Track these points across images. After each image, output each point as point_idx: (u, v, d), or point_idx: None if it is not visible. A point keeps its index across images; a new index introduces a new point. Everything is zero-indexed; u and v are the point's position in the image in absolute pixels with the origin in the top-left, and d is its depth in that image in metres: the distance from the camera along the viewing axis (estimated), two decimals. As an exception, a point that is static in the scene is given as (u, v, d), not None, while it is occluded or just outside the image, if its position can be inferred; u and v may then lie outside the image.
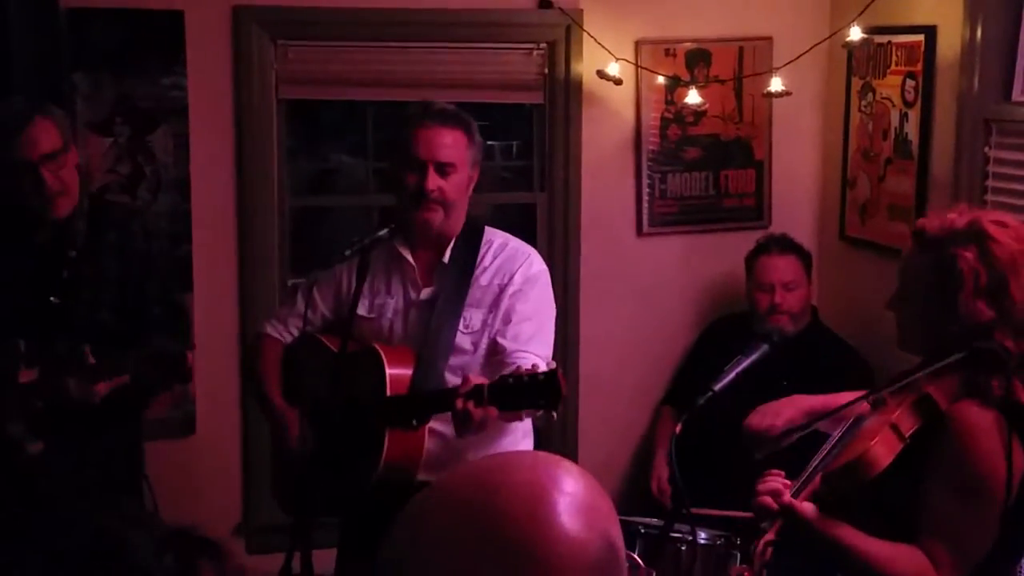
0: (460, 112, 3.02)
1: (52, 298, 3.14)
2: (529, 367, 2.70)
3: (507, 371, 2.75)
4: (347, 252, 2.89)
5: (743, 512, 2.53)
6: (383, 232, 2.90)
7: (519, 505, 1.04)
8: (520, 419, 2.87)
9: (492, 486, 1.06)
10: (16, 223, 3.15)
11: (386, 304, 3.04)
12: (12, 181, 3.07)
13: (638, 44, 4.27)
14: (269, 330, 3.23)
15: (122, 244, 3.23)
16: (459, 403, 2.59)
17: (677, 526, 2.86)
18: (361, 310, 2.98)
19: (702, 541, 2.97)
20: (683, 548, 2.96)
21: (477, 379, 2.63)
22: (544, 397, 2.54)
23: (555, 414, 2.64)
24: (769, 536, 2.33)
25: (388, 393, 2.86)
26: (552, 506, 1.04)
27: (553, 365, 2.60)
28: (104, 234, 3.20)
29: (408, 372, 2.90)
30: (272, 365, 3.17)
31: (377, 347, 2.93)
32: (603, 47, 4.17)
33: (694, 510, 2.72)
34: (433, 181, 2.90)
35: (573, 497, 1.06)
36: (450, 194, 2.93)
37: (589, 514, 1.05)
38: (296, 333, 3.18)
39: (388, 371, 2.87)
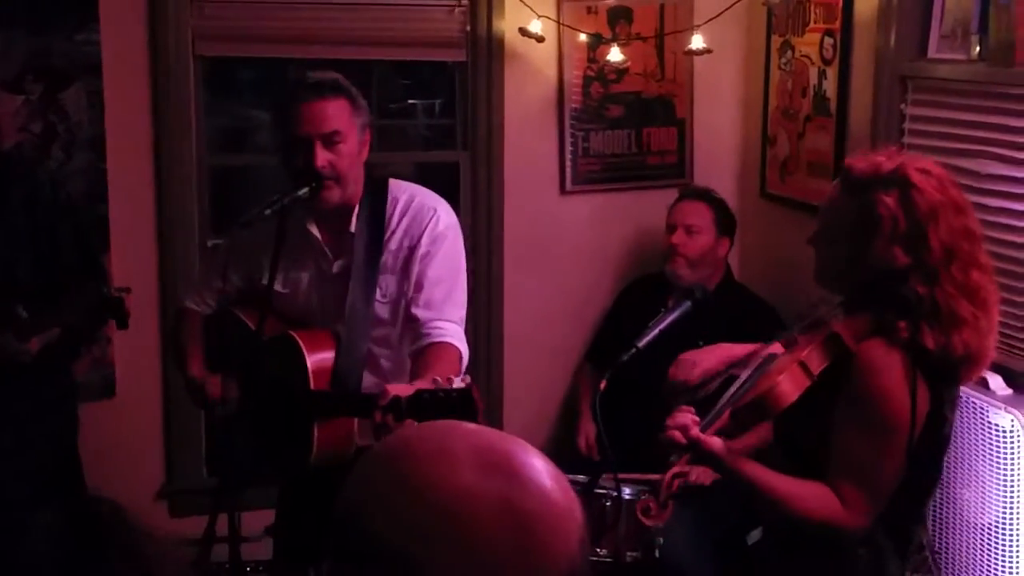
0: (338, 80, 2.87)
1: None
2: (444, 340, 2.75)
3: (424, 343, 2.78)
4: (267, 212, 2.77)
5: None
6: (303, 191, 2.79)
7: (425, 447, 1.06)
8: None
9: (406, 435, 1.09)
10: None
11: (300, 278, 2.98)
12: None
13: (560, 1, 4.26)
14: (188, 303, 3.17)
15: (29, 197, 3.16)
16: (377, 416, 2.53)
17: (602, 481, 2.88)
18: (276, 284, 2.89)
19: (627, 497, 3.00)
20: (608, 504, 3.00)
21: (396, 389, 2.55)
22: (460, 414, 2.45)
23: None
24: (676, 469, 2.36)
25: (312, 385, 2.80)
26: (454, 454, 1.05)
27: (467, 381, 2.53)
28: (10, 191, 3.14)
29: (330, 355, 2.84)
30: (192, 338, 3.10)
31: (295, 336, 2.86)
32: (525, 4, 4.15)
33: (619, 475, 2.75)
34: (322, 157, 2.79)
35: (477, 451, 1.05)
36: (342, 166, 2.82)
37: (489, 468, 1.04)
38: (214, 305, 3.12)
39: (309, 361, 2.81)
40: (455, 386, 2.50)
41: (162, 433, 4.21)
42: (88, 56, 3.91)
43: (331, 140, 2.80)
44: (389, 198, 2.95)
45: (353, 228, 2.91)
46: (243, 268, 3.04)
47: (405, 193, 2.98)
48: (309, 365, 2.80)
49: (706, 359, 2.71)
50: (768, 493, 2.36)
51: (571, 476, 3.09)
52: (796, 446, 2.47)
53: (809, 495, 2.34)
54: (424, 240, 2.90)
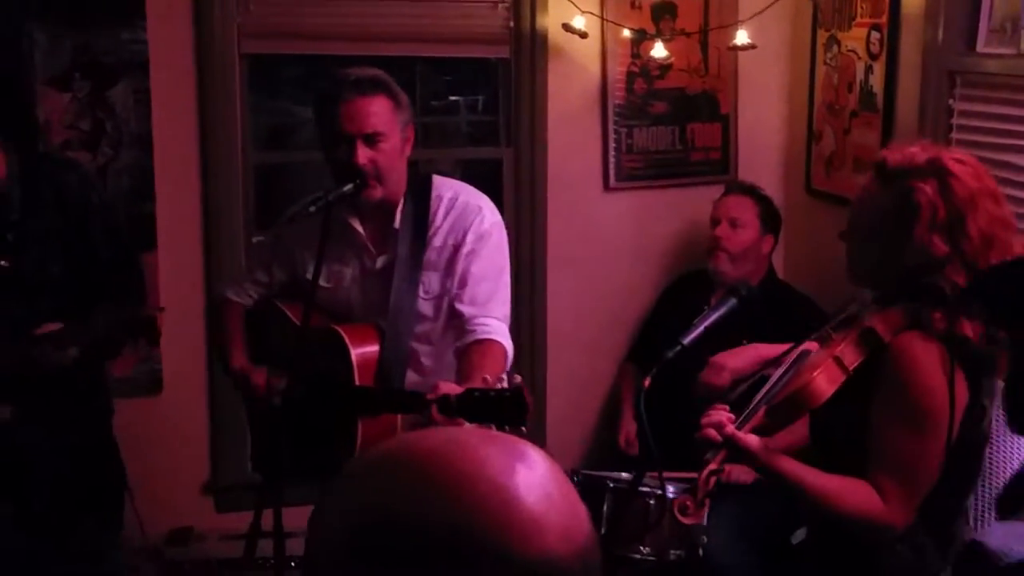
0: (379, 77, 2.87)
1: (2, 262, 3.11)
2: (489, 336, 2.76)
3: (469, 339, 2.78)
4: (311, 208, 2.78)
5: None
6: (347, 187, 2.81)
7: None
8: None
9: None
10: None
11: (343, 272, 3.00)
12: None
13: (604, -3, 4.25)
14: (230, 294, 3.20)
15: (60, 197, 3.20)
16: (426, 414, 2.52)
17: (646, 480, 2.87)
18: (319, 279, 2.90)
19: (671, 495, 2.98)
20: (652, 502, 2.98)
21: (447, 387, 2.55)
22: (510, 414, 2.47)
23: (524, 429, 2.54)
24: (712, 466, 2.35)
25: (356, 381, 2.80)
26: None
27: (518, 380, 2.53)
28: (41, 191, 3.17)
29: (374, 349, 2.85)
30: (235, 329, 3.13)
31: (339, 330, 2.86)
32: (569, 0, 4.14)
33: (663, 474, 2.74)
34: (363, 154, 2.80)
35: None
36: (383, 164, 2.83)
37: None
38: (256, 297, 3.15)
39: (354, 355, 2.81)
40: (506, 385, 2.49)
41: (208, 429, 4.24)
42: (135, 54, 3.94)
43: (373, 139, 2.81)
44: (433, 195, 2.96)
45: (397, 224, 2.92)
46: (287, 262, 3.07)
47: (450, 190, 2.98)
48: (354, 359, 2.81)
49: (736, 361, 2.69)
50: (806, 489, 2.34)
51: (615, 474, 3.10)
52: (833, 442, 2.45)
53: (848, 491, 2.33)
54: (469, 237, 2.91)
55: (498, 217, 3.01)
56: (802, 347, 2.54)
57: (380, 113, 2.81)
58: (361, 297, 2.99)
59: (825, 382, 2.27)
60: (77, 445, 3.27)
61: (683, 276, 4.40)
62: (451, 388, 2.54)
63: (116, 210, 3.53)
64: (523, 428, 2.52)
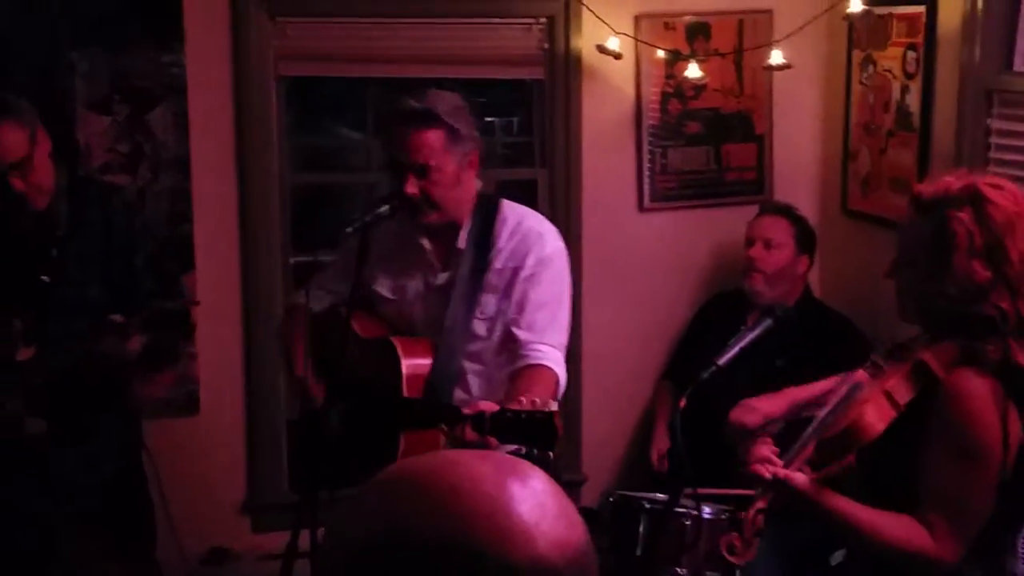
0: (435, 110, 2.87)
1: (43, 277, 3.14)
2: (541, 363, 2.79)
3: (522, 364, 2.81)
4: (348, 229, 2.84)
5: (744, 490, 2.54)
6: (383, 208, 2.85)
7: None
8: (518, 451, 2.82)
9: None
10: None
11: (407, 287, 3.05)
12: None
13: (638, 18, 4.25)
14: (300, 301, 3.24)
15: (105, 220, 3.24)
16: (460, 430, 2.54)
17: (682, 501, 2.86)
18: (384, 291, 3.03)
19: (707, 516, 2.98)
20: (688, 523, 2.97)
21: (484, 405, 2.57)
22: (538, 439, 2.48)
23: (551, 454, 2.56)
24: (760, 504, 2.34)
25: (404, 392, 2.84)
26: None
27: (553, 407, 2.52)
28: (87, 212, 3.21)
29: (427, 362, 2.89)
30: (299, 337, 3.17)
31: (395, 342, 2.92)
32: (603, 21, 4.15)
33: (698, 490, 2.73)
34: (412, 185, 2.84)
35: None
36: (435, 194, 2.87)
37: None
38: (326, 305, 3.18)
39: (404, 366, 2.85)
40: (540, 408, 2.49)
41: (244, 449, 4.26)
42: (174, 77, 3.99)
43: (423, 171, 2.84)
44: (499, 218, 2.99)
45: (461, 244, 2.97)
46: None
47: (515, 215, 3.02)
48: (404, 370, 2.85)
49: (769, 404, 2.68)
50: (855, 526, 2.32)
51: (651, 495, 3.09)
52: (882, 478, 2.42)
53: (897, 527, 2.30)
54: (529, 262, 2.93)
55: (561, 245, 3.03)
56: (853, 378, 2.52)
57: (432, 146, 2.84)
58: (423, 312, 3.04)
59: (876, 418, 2.26)
60: (107, 477, 3.28)
61: (718, 296, 4.40)
62: (488, 406, 2.55)
63: (159, 237, 3.57)
64: (550, 453, 2.53)
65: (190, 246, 4.06)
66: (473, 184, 2.99)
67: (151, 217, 3.91)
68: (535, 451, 2.54)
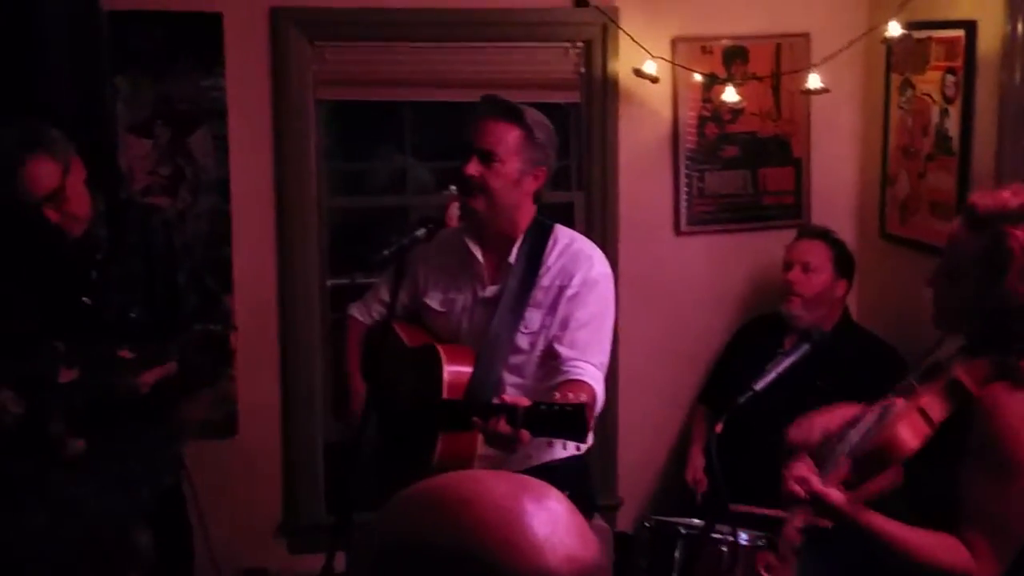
0: (519, 108, 3.03)
1: (84, 299, 3.17)
2: (580, 379, 2.86)
3: (561, 379, 2.87)
4: (385, 252, 2.97)
5: (778, 511, 2.52)
6: (420, 232, 2.97)
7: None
8: (550, 444, 2.93)
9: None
10: (37, 244, 3.18)
11: (456, 300, 3.15)
12: (17, 221, 3.09)
13: (675, 42, 4.26)
14: (354, 313, 3.37)
15: (145, 242, 3.27)
16: (493, 422, 2.65)
17: (718, 527, 2.85)
18: (434, 304, 3.15)
19: (743, 542, 2.96)
20: (724, 549, 2.95)
21: (518, 399, 2.68)
22: (569, 430, 2.59)
23: (581, 447, 2.70)
24: (796, 522, 2.33)
25: (444, 395, 2.92)
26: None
27: (583, 400, 2.63)
28: (126, 235, 3.24)
29: (467, 370, 2.97)
30: (353, 346, 3.32)
31: (438, 348, 3.01)
32: (640, 45, 4.16)
33: (733, 508, 2.72)
34: (473, 167, 2.97)
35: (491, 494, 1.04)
36: (492, 183, 2.98)
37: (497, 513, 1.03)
38: (377, 317, 3.30)
39: (445, 372, 2.94)
40: (571, 402, 2.58)
41: (281, 470, 4.28)
42: (214, 101, 4.03)
43: (488, 157, 2.97)
44: (551, 238, 3.10)
45: (512, 259, 3.07)
46: (409, 284, 3.22)
47: (567, 237, 3.13)
48: (445, 376, 2.94)
49: (826, 421, 2.66)
50: (894, 545, 2.30)
51: (687, 520, 3.08)
52: (922, 498, 2.41)
53: (937, 546, 2.28)
54: (575, 281, 3.02)
55: (608, 269, 3.11)
56: (886, 400, 2.50)
57: (504, 139, 2.98)
58: (468, 325, 3.12)
59: (910, 435, 2.24)
60: (144, 488, 3.30)
61: (755, 319, 4.38)
62: (522, 400, 2.66)
63: (199, 259, 3.60)
64: (580, 446, 2.65)
65: (229, 268, 4.09)
66: (531, 200, 3.09)
67: (191, 239, 3.95)
68: (565, 444, 2.67)
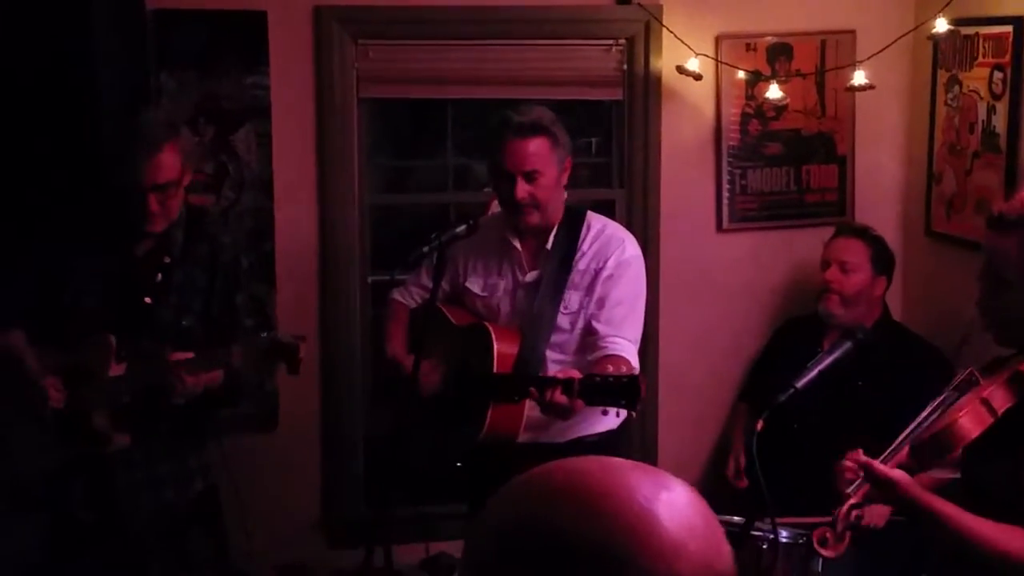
0: (540, 121, 3.20)
1: (146, 299, 3.20)
2: (617, 353, 3.09)
3: (600, 354, 3.11)
4: (424, 249, 3.09)
5: (822, 518, 2.50)
6: (460, 228, 3.12)
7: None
8: (604, 412, 3.01)
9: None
10: (117, 233, 3.22)
11: (497, 284, 3.36)
12: (119, 199, 3.15)
13: (718, 39, 4.24)
14: (397, 296, 3.56)
15: (212, 256, 3.29)
16: (550, 393, 2.84)
17: (758, 524, 2.83)
18: (475, 288, 3.37)
19: (784, 539, 2.94)
20: (765, 547, 2.94)
21: (573, 372, 2.88)
22: (625, 398, 2.78)
23: (634, 414, 2.91)
24: (853, 500, 2.31)
25: (495, 370, 3.13)
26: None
27: (636, 371, 2.88)
28: (197, 245, 3.27)
29: (514, 350, 3.18)
30: (397, 325, 3.51)
31: (488, 326, 3.24)
32: (683, 42, 4.14)
33: (776, 519, 2.70)
34: (522, 190, 3.16)
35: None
36: (541, 197, 3.19)
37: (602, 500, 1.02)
38: (419, 300, 3.49)
39: (496, 349, 3.15)
40: (625, 373, 2.79)
41: (320, 465, 4.30)
42: (257, 99, 4.06)
43: (531, 176, 3.18)
44: (584, 224, 3.32)
45: (549, 246, 3.29)
46: (450, 271, 3.41)
47: (599, 223, 3.36)
48: (495, 352, 3.15)
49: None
50: (959, 530, 2.26)
51: (728, 518, 3.07)
52: (984, 492, 2.38)
53: (1004, 535, 2.24)
54: (610, 264, 3.25)
55: (639, 251, 3.36)
56: (946, 393, 2.48)
57: (538, 153, 3.19)
58: (509, 308, 3.34)
59: (971, 422, 2.23)
60: (178, 501, 3.31)
61: (796, 318, 4.35)
62: (575, 373, 2.88)
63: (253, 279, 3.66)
64: (633, 413, 2.87)
65: (271, 264, 4.12)
66: (563, 189, 3.31)
67: (234, 235, 3.96)
68: (618, 413, 2.91)
